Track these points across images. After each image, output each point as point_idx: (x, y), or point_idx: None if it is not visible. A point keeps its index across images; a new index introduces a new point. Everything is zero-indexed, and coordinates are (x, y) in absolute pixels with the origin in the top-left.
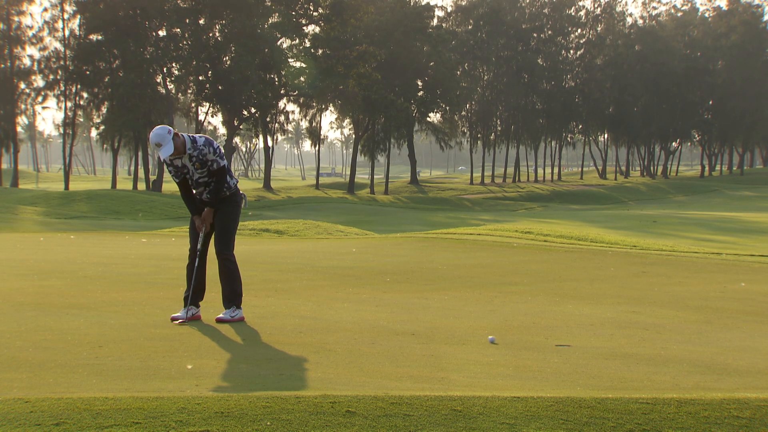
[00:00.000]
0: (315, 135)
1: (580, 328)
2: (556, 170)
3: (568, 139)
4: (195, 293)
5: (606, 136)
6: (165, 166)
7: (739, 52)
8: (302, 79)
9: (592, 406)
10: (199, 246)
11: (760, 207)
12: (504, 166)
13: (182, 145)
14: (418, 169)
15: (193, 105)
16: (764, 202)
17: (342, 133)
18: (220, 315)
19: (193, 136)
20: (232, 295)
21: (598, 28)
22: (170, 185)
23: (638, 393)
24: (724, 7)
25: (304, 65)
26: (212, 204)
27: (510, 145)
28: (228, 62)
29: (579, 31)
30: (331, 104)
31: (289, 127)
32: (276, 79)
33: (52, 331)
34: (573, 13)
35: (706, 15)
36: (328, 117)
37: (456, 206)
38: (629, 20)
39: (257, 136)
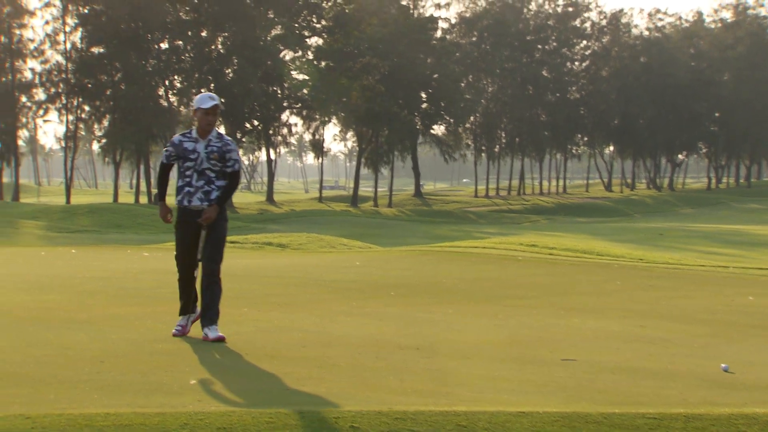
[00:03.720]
0: (318, 147)
1: (586, 342)
2: (561, 183)
3: (573, 151)
4: (193, 301)
5: (611, 148)
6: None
7: (746, 64)
8: (305, 91)
9: (598, 422)
10: (199, 256)
11: (767, 220)
12: (509, 178)
13: (209, 127)
14: (422, 181)
15: (195, 119)
16: None
17: (345, 145)
18: (207, 334)
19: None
20: (214, 314)
21: (604, 40)
22: (173, 198)
23: (645, 408)
24: (730, 19)
25: (307, 77)
26: (207, 213)
27: (514, 158)
28: (230, 75)
29: (584, 42)
30: (334, 116)
31: (292, 140)
32: (279, 92)
33: (53, 346)
34: (578, 25)
35: (712, 26)
36: (332, 129)
37: (460, 219)
38: (635, 31)
39: (260, 149)
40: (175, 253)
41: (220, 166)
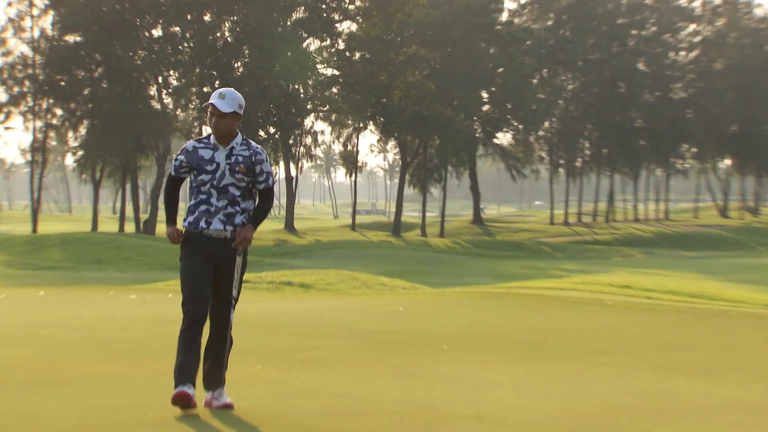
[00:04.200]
0: (351, 162)
1: (697, 413)
2: (662, 206)
3: (678, 165)
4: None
5: (728, 162)
6: (172, 162)
7: None
8: (335, 90)
9: None
10: (215, 303)
11: None
12: (594, 200)
13: (232, 130)
14: (483, 204)
15: (196, 124)
16: None
17: (385, 159)
18: (211, 400)
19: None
20: (222, 374)
21: (718, 23)
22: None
23: None
24: None
25: (337, 72)
26: (244, 233)
27: (601, 174)
28: (240, 69)
29: (692, 26)
30: (371, 122)
31: (318, 152)
32: (301, 91)
33: (17, 415)
34: (685, 4)
35: None
36: (368, 138)
37: (532, 252)
38: (758, 12)
39: (277, 163)
40: (182, 294)
41: (247, 181)
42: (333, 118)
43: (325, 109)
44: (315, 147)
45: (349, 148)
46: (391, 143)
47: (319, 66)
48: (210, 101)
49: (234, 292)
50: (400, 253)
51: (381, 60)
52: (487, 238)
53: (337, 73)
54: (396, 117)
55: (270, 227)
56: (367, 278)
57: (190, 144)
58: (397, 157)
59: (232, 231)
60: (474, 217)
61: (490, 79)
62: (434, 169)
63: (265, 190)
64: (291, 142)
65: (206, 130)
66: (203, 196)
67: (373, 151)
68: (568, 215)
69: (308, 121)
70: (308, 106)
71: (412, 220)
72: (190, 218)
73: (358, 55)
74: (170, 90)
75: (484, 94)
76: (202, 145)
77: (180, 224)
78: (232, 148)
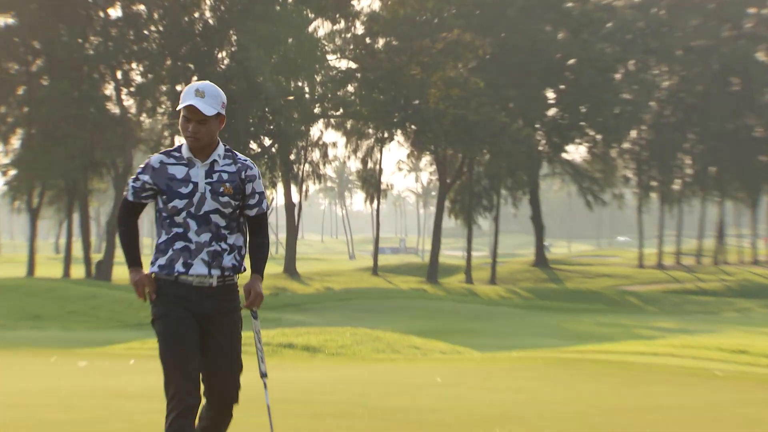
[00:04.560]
0: (372, 184)
1: None
2: None
3: None
4: None
5: None
6: (129, 182)
7: None
8: (351, 88)
9: None
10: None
11: None
12: (698, 236)
13: (213, 138)
14: (548, 240)
15: (167, 134)
16: None
17: (418, 179)
18: None
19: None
20: None
21: None
22: (124, 269)
23: None
24: None
25: (354, 65)
26: (256, 289)
27: (708, 200)
28: (226, 61)
29: None
30: (399, 131)
31: (328, 170)
32: (306, 90)
33: None
34: None
35: None
36: (394, 153)
37: (614, 305)
38: None
39: (274, 186)
40: (164, 370)
41: (234, 205)
42: (348, 125)
43: (337, 113)
44: (324, 164)
45: (370, 165)
46: (426, 159)
47: (330, 57)
48: (185, 102)
49: (236, 356)
50: (438, 306)
51: (412, 49)
52: (554, 286)
53: (354, 65)
54: (432, 124)
55: (266, 269)
56: (393, 339)
57: (155, 159)
58: (434, 177)
59: (220, 277)
60: (536, 258)
61: (558, 74)
62: (483, 194)
63: (259, 216)
64: (293, 157)
65: (179, 140)
66: (177, 230)
67: (402, 169)
68: (662, 255)
69: (315, 130)
70: (316, 110)
71: (454, 261)
72: (161, 260)
73: (381, 42)
74: (132, 89)
75: (550, 94)
76: (172, 160)
77: (147, 269)
78: (214, 162)
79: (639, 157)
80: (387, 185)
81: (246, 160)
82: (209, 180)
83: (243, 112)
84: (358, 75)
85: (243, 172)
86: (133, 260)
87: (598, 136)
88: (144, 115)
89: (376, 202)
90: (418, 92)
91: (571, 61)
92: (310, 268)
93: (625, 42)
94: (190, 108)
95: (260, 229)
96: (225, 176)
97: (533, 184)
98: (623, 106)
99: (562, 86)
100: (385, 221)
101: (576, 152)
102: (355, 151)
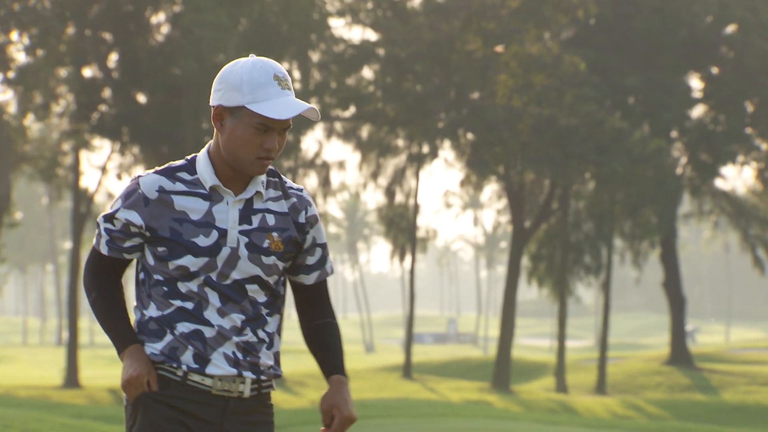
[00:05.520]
0: (402, 228)
1: None
2: None
3: None
4: None
5: None
6: (98, 225)
7: None
8: (367, 74)
9: None
10: None
11: None
12: None
13: (260, 168)
14: (693, 323)
15: (66, 148)
16: None
17: (478, 222)
18: None
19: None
20: None
21: None
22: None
23: None
24: None
25: (372, 35)
26: (347, 410)
27: None
28: (165, 28)
29: None
30: (446, 143)
31: (332, 206)
32: (297, 74)
33: None
34: None
35: None
36: (439, 179)
37: None
38: None
39: None
40: None
41: (282, 269)
42: (365, 133)
43: (347, 114)
44: (325, 196)
45: (400, 199)
46: (491, 189)
47: (334, 22)
48: (265, 100)
49: None
50: (512, 430)
51: (470, 6)
52: (702, 398)
53: (373, 36)
54: (502, 132)
55: None
56: None
57: (149, 182)
58: (504, 219)
59: (255, 382)
60: (673, 352)
61: (709, 50)
62: (584, 246)
63: (320, 285)
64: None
65: (89, 160)
66: (184, 304)
67: (452, 205)
68: None
69: (311, 141)
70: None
71: (537, 356)
72: (158, 345)
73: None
74: (11, 74)
75: (695, 83)
76: (180, 186)
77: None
78: (254, 194)
79: None
80: (428, 231)
81: (301, 191)
82: (246, 227)
83: (192, 109)
84: (380, 51)
85: (300, 213)
86: (126, 336)
87: None
88: (29, 114)
89: (409, 258)
90: (478, 80)
91: (731, 29)
92: (297, 366)
93: None
94: (278, 109)
95: (324, 304)
96: (271, 220)
97: (668, 230)
98: None
99: (714, 69)
100: (424, 290)
101: (738, 178)
102: (374, 176)
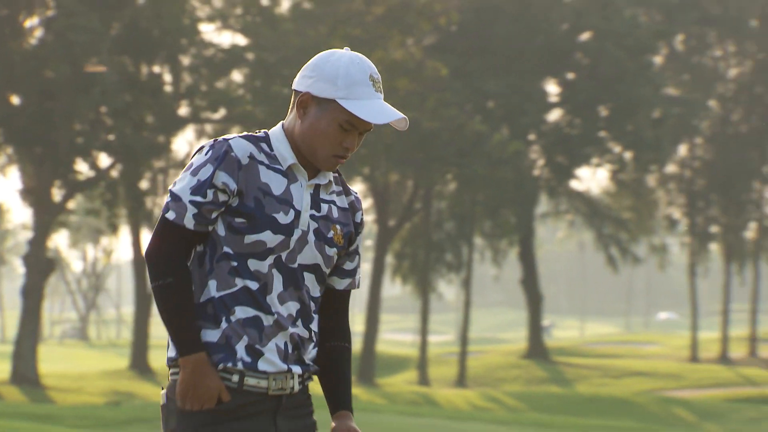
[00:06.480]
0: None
1: None
2: None
3: None
4: None
5: None
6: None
7: None
8: (237, 77)
9: None
10: None
11: None
12: None
13: (337, 160)
14: (549, 318)
15: None
16: None
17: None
18: None
19: None
20: None
21: None
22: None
23: None
24: None
25: (243, 40)
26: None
27: None
28: (38, 32)
29: None
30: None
31: None
32: (167, 78)
33: None
34: None
35: None
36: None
37: (653, 419)
38: None
39: (114, 230)
40: None
41: (340, 256)
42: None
43: (216, 117)
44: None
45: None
46: (356, 188)
47: (203, 28)
48: (359, 99)
49: None
50: (375, 422)
51: (335, 14)
52: (558, 390)
53: (243, 41)
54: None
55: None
56: None
57: (240, 145)
58: (369, 218)
59: (300, 376)
60: (530, 346)
61: (566, 57)
62: (446, 245)
63: (346, 294)
64: (145, 185)
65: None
66: (253, 284)
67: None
68: (728, 343)
69: (182, 142)
70: (182, 111)
71: (400, 350)
72: (214, 334)
73: (287, 3)
74: None
75: (552, 88)
76: (263, 157)
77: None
78: (325, 185)
79: (691, 187)
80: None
81: (356, 193)
82: (315, 213)
83: (66, 113)
84: (250, 56)
85: (357, 213)
86: (197, 339)
87: (627, 154)
88: None
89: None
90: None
91: (586, 36)
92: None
93: (671, 6)
94: (373, 113)
95: (344, 319)
96: (335, 213)
97: (526, 230)
98: (666, 108)
99: (570, 75)
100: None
101: (592, 179)
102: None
